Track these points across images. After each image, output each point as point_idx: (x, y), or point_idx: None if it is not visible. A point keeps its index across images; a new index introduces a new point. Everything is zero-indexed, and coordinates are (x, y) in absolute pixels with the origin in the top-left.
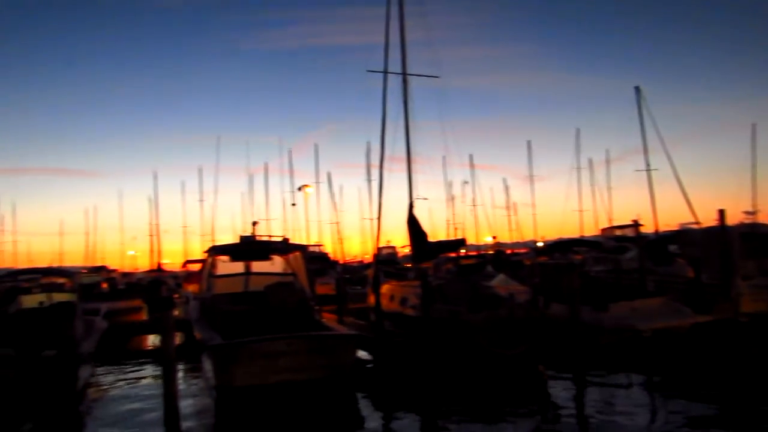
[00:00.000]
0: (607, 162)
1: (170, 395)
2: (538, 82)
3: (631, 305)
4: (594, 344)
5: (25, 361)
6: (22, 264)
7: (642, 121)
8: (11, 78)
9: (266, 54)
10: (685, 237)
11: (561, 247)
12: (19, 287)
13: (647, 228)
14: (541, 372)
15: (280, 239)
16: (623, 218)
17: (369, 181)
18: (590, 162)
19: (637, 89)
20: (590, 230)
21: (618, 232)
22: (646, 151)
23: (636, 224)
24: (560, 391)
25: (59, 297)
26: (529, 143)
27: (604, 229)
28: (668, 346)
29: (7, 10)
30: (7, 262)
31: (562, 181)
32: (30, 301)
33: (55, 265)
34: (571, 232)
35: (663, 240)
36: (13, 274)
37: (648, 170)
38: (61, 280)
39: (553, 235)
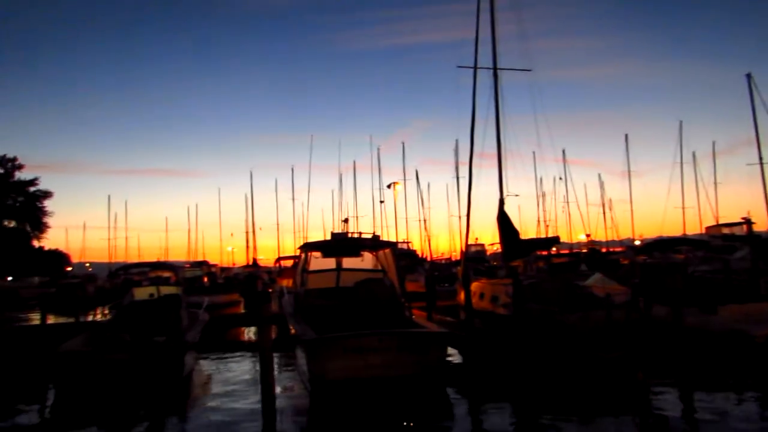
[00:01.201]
0: (714, 155)
1: (267, 385)
2: (636, 72)
3: (742, 308)
4: (700, 350)
5: (138, 345)
6: (133, 258)
7: (754, 111)
8: (122, 87)
9: (357, 54)
10: None
11: (661, 245)
12: (132, 280)
13: (760, 226)
14: (641, 378)
15: (370, 236)
16: (731, 216)
17: (457, 178)
18: (694, 156)
19: (749, 76)
20: (694, 228)
21: (726, 231)
22: (758, 142)
23: (747, 222)
24: (662, 399)
25: (166, 290)
26: (626, 137)
27: (709, 227)
28: None
29: (125, 25)
30: (120, 256)
31: (663, 176)
32: (141, 293)
33: (162, 259)
34: (672, 231)
35: None
36: (126, 267)
37: (761, 163)
38: (167, 274)
39: (652, 233)
